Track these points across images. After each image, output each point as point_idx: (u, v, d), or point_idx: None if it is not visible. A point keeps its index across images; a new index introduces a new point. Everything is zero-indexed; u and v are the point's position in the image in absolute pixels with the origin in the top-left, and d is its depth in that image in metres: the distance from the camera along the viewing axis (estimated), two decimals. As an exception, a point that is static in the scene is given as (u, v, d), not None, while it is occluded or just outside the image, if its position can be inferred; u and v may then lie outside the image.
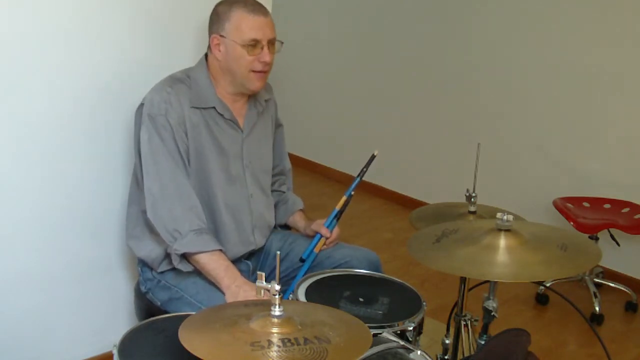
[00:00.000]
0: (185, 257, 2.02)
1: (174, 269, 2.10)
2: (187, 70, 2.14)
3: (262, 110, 2.23)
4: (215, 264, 1.99)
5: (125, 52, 2.30)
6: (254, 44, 2.01)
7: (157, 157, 2.02)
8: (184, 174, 2.04)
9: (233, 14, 2.03)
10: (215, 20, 2.07)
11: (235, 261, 2.16)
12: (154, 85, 2.09)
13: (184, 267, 2.03)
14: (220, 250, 2.02)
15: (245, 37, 2.01)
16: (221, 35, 2.05)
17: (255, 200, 2.21)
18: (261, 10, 2.04)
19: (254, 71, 2.04)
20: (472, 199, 2.20)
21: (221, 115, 2.09)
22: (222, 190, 2.11)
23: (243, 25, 2.01)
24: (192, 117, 2.05)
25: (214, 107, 2.08)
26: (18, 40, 2.07)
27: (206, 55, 2.15)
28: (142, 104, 2.08)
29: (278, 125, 2.39)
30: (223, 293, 1.97)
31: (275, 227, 2.38)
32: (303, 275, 2.09)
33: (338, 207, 2.25)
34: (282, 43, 2.11)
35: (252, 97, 2.20)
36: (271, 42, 2.04)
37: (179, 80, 2.09)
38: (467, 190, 2.20)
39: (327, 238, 2.22)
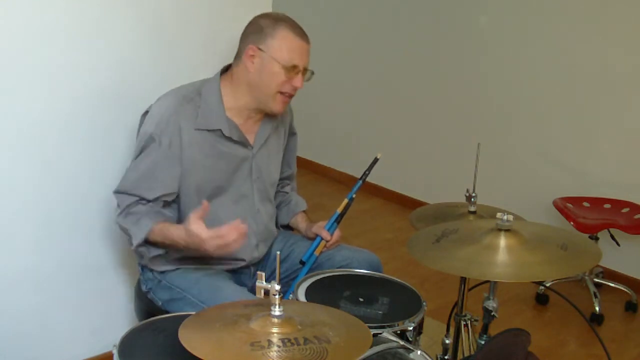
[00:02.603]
0: (147, 246, 2.01)
1: (175, 270, 2.10)
2: (199, 86, 2.08)
3: (276, 125, 2.20)
4: (162, 233, 1.95)
5: (127, 53, 2.29)
6: (293, 68, 1.99)
7: (144, 175, 2.02)
8: (164, 172, 2.01)
9: (279, 32, 2.00)
10: (256, 31, 2.02)
11: (237, 267, 2.17)
12: (164, 95, 2.05)
13: (156, 251, 2.02)
14: (157, 221, 1.98)
15: (287, 59, 1.98)
16: (259, 49, 2.00)
17: (261, 215, 2.19)
18: (305, 37, 2.03)
19: (281, 93, 2.01)
20: (472, 199, 2.20)
21: (229, 137, 2.06)
22: (228, 210, 2.09)
23: (287, 46, 1.99)
24: (195, 139, 2.01)
25: (220, 129, 2.04)
26: (17, 40, 2.07)
27: (228, 67, 2.10)
28: (146, 112, 2.06)
29: (292, 134, 2.36)
30: (229, 286, 1.99)
31: (277, 227, 2.37)
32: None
33: (339, 210, 2.25)
34: (313, 73, 2.08)
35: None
36: (305, 70, 2.04)
37: (187, 100, 2.03)
38: (467, 190, 2.20)
39: (327, 241, 2.21)
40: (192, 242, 1.88)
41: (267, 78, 2.01)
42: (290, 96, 2.05)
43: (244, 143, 2.10)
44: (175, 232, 1.93)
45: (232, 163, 2.09)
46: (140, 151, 2.03)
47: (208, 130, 2.03)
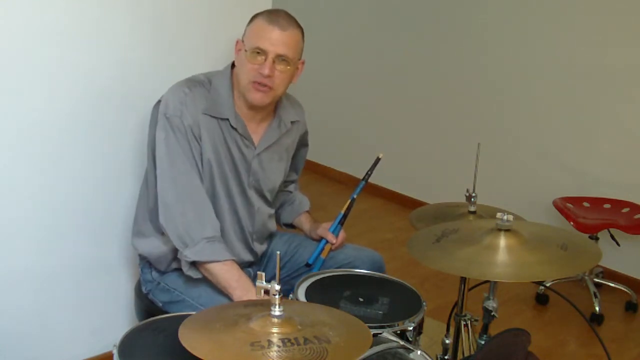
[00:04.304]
0: (194, 264, 1.99)
1: (174, 272, 2.10)
2: (211, 75, 2.08)
3: (285, 132, 2.16)
4: (228, 274, 1.95)
5: (127, 53, 2.29)
6: (258, 53, 1.94)
7: (174, 159, 1.98)
8: (199, 177, 2.00)
9: (254, 21, 1.99)
10: (247, 25, 2.04)
11: None
12: (173, 85, 2.05)
13: (194, 273, 2.00)
14: (233, 260, 1.98)
15: (252, 44, 1.95)
16: (242, 41, 2.01)
17: (260, 213, 2.18)
18: (281, 23, 1.95)
19: (254, 82, 1.95)
20: (472, 199, 2.20)
21: (234, 129, 2.04)
22: (228, 199, 2.09)
23: (255, 32, 1.96)
24: (207, 123, 2.01)
25: (227, 119, 2.03)
26: (17, 40, 2.07)
27: (234, 63, 2.09)
28: (159, 102, 2.04)
29: (304, 145, 2.34)
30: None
31: (280, 225, 2.37)
32: None
33: (343, 211, 2.25)
34: (303, 63, 2.06)
35: (277, 116, 2.13)
36: (281, 58, 1.95)
37: (199, 84, 2.03)
38: (467, 190, 2.20)
39: (332, 244, 2.21)
40: (243, 295, 1.90)
41: (240, 68, 1.99)
42: (267, 86, 1.96)
43: (247, 140, 2.07)
44: (244, 285, 1.93)
45: (236, 156, 2.07)
46: (165, 136, 1.99)
47: (217, 118, 2.02)
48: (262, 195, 2.17)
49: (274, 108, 2.13)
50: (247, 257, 2.18)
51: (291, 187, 2.41)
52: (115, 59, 2.27)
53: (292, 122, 2.19)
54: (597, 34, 3.61)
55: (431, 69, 4.39)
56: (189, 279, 2.05)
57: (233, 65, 2.08)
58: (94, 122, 2.28)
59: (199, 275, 2.00)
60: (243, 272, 1.99)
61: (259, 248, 2.22)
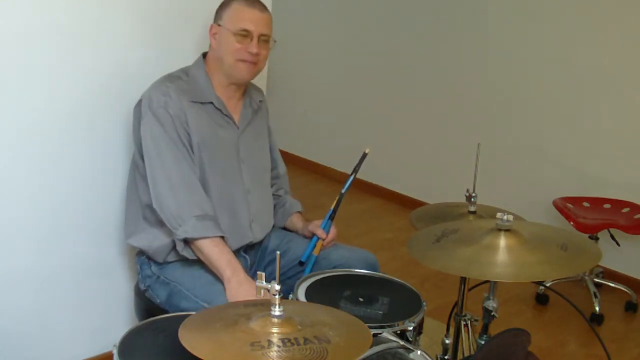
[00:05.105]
0: (187, 243, 2.04)
1: (172, 263, 2.11)
2: (185, 69, 2.20)
3: (256, 109, 2.29)
4: (217, 255, 2.00)
5: (125, 52, 2.30)
6: (245, 34, 2.08)
7: (160, 147, 2.05)
8: (188, 161, 2.07)
9: (232, 5, 2.12)
10: (218, 10, 2.16)
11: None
12: (152, 83, 2.13)
13: (188, 254, 2.05)
14: (223, 237, 2.03)
15: (237, 26, 2.08)
16: (218, 25, 2.13)
17: (253, 196, 2.22)
18: (259, 6, 2.12)
19: (241, 60, 2.09)
20: (472, 199, 2.20)
21: (219, 110, 2.14)
22: (217, 183, 2.13)
23: (238, 15, 2.10)
24: (193, 111, 2.09)
25: (211, 102, 2.13)
26: (17, 40, 2.07)
27: (204, 54, 2.20)
28: (140, 101, 2.12)
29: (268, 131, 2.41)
30: (223, 285, 1.98)
31: (274, 226, 2.38)
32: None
33: (332, 207, 2.26)
34: (275, 41, 2.18)
35: (247, 95, 2.25)
36: (263, 37, 2.11)
37: (177, 77, 2.14)
38: (467, 190, 2.20)
39: (323, 239, 2.22)
40: (230, 285, 1.95)
41: (224, 48, 2.11)
42: (252, 63, 2.10)
43: (231, 119, 2.18)
44: (234, 266, 1.98)
45: (223, 137, 2.15)
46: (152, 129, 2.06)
47: (201, 103, 2.12)
48: (256, 177, 2.23)
49: (244, 91, 2.24)
50: (240, 241, 2.19)
51: (281, 192, 2.43)
52: (115, 59, 2.28)
53: (260, 101, 2.32)
54: (597, 34, 3.61)
55: (431, 69, 4.40)
56: (185, 270, 2.08)
57: (204, 55, 2.19)
58: (94, 122, 2.28)
59: (193, 256, 2.05)
60: (232, 254, 2.03)
61: (259, 231, 2.24)
